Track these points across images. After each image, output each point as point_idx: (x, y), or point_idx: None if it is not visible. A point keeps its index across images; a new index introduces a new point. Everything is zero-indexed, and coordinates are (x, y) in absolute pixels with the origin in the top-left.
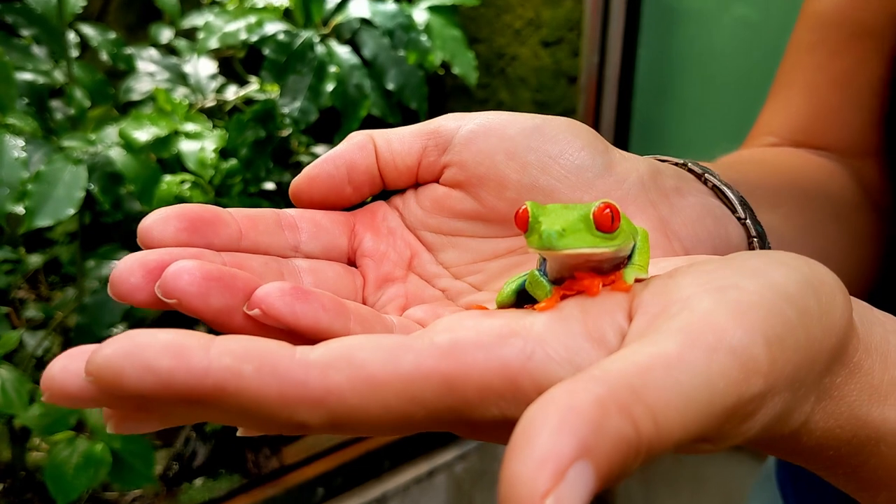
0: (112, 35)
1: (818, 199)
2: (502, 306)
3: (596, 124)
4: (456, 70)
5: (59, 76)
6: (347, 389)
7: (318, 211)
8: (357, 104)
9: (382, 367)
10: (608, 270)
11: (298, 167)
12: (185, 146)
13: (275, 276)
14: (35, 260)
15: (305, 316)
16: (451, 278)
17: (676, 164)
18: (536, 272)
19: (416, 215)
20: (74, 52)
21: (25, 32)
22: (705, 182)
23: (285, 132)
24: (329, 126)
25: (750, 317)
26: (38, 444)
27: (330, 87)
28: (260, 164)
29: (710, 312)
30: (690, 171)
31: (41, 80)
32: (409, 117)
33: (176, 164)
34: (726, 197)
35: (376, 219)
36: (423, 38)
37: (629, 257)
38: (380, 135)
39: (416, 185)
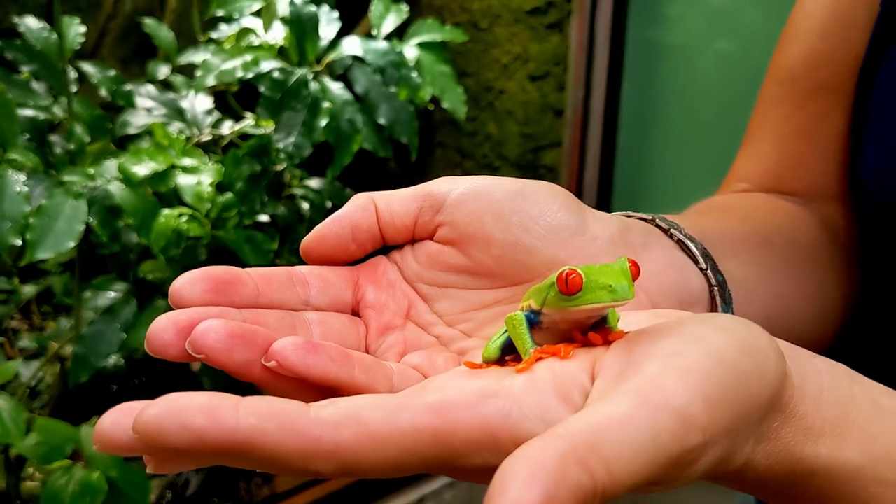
0: (112, 72)
1: (781, 245)
2: (488, 360)
3: (582, 157)
4: (445, 105)
5: (58, 111)
6: (355, 444)
7: (326, 267)
8: (349, 139)
9: (384, 424)
10: (591, 324)
11: (292, 199)
12: (183, 180)
13: (288, 330)
14: (29, 290)
15: (316, 367)
16: (444, 326)
17: (645, 220)
18: (523, 326)
19: (413, 269)
20: (73, 88)
21: (25, 68)
22: (671, 236)
23: (280, 166)
24: (322, 159)
25: (691, 380)
26: (31, 474)
27: (323, 122)
28: (255, 198)
29: (657, 376)
30: (658, 226)
31: (41, 115)
32: (400, 150)
33: (173, 197)
34: (690, 250)
35: (377, 272)
36: (414, 74)
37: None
38: (380, 197)
39: (413, 241)
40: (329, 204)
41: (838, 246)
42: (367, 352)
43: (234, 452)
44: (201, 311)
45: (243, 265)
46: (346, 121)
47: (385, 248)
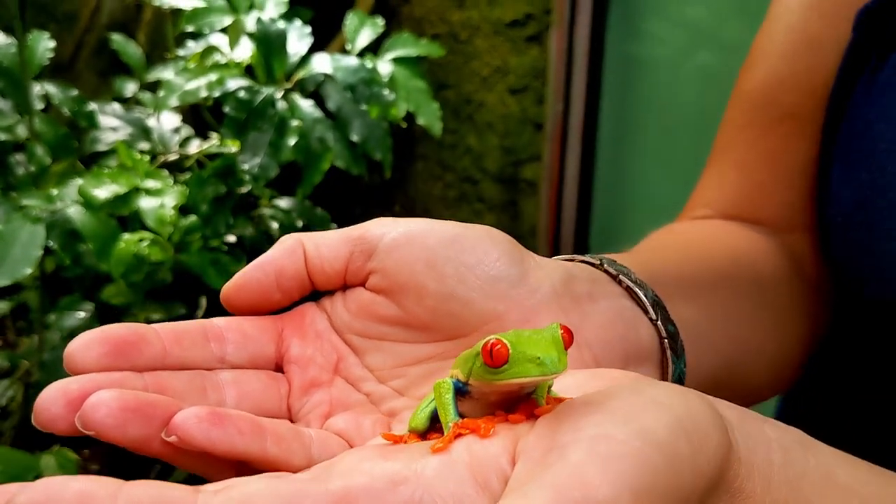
0: (73, 92)
1: (742, 283)
2: (415, 430)
3: (561, 171)
4: (421, 121)
5: (21, 131)
6: None
7: (246, 319)
8: (319, 157)
9: None
10: (522, 397)
11: (261, 220)
12: (145, 203)
13: (198, 394)
14: (2, 306)
15: (221, 441)
16: (375, 382)
17: (593, 265)
18: (449, 394)
19: (343, 319)
20: (39, 105)
21: None
22: (619, 282)
23: (245, 188)
24: (293, 178)
25: (617, 469)
26: None
27: (292, 141)
28: (220, 220)
29: (580, 465)
30: (606, 271)
31: (3, 136)
32: (374, 167)
33: (136, 220)
34: (639, 298)
35: (304, 322)
36: (386, 91)
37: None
38: (309, 239)
39: (345, 286)
40: (300, 223)
41: (803, 279)
42: (289, 412)
43: None
44: (96, 378)
45: (208, 288)
46: (316, 139)
47: (314, 293)
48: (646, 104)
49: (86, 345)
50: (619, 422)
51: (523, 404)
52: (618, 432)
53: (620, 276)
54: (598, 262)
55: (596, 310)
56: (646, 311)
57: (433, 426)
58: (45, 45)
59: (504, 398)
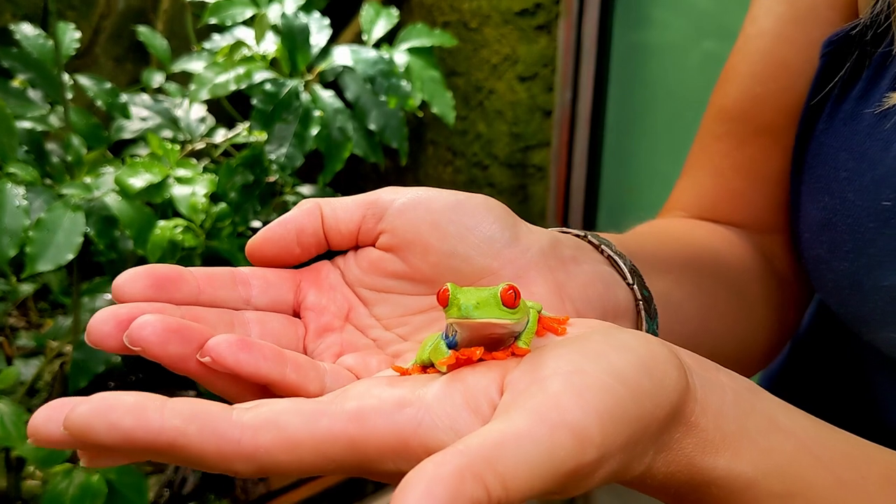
0: (107, 85)
1: (711, 265)
2: (420, 363)
3: (569, 156)
4: (434, 110)
5: (54, 121)
6: (273, 448)
7: (269, 269)
8: (340, 147)
9: (301, 429)
10: (505, 341)
11: (285, 207)
12: (178, 191)
13: (226, 328)
14: (26, 288)
15: (248, 364)
16: (381, 329)
17: (578, 236)
18: (441, 342)
19: (355, 274)
20: (69, 95)
21: (21, 76)
22: (601, 252)
23: (272, 177)
24: (315, 165)
25: (587, 397)
26: (32, 472)
27: (315, 131)
28: (248, 208)
29: (556, 394)
30: (590, 242)
31: (39, 126)
32: (391, 155)
33: (168, 207)
34: (618, 265)
35: (320, 276)
36: (403, 82)
37: (520, 333)
38: (326, 203)
39: (357, 247)
40: None
41: (774, 275)
42: (305, 352)
43: (159, 452)
44: (142, 306)
45: None
46: (337, 129)
47: (329, 254)
48: (653, 91)
49: (133, 278)
50: (591, 360)
51: (506, 348)
52: (590, 369)
53: (602, 247)
54: (584, 235)
55: (579, 271)
56: (624, 277)
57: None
58: (71, 35)
59: (485, 343)
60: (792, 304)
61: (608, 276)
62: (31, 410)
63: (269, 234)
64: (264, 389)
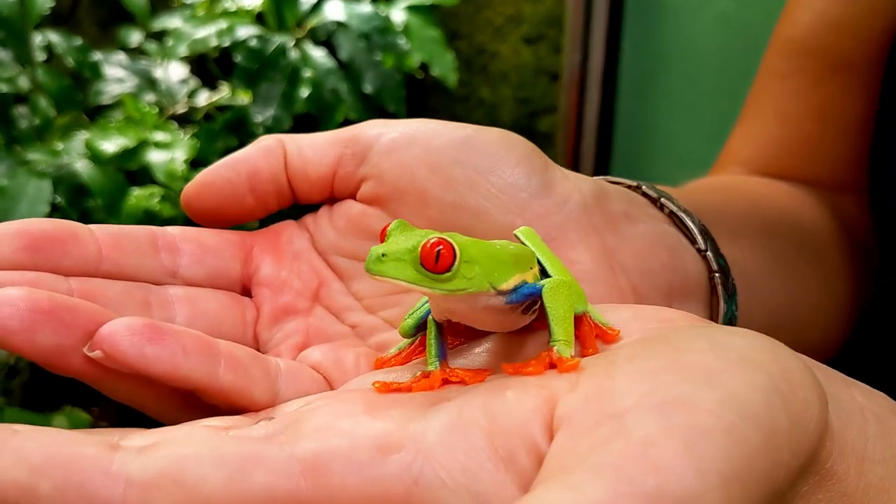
0: (78, 41)
1: (788, 232)
2: (405, 335)
3: (579, 123)
4: (435, 72)
5: (23, 82)
6: None
7: (207, 230)
8: (333, 109)
9: (222, 490)
10: (499, 325)
11: None
12: (155, 157)
13: (138, 308)
14: None
15: (159, 360)
16: (363, 312)
17: (629, 187)
18: (432, 334)
19: (328, 237)
20: (41, 57)
21: None
22: (661, 208)
23: None
24: (304, 131)
25: (703, 451)
26: None
27: (305, 92)
28: None
29: (651, 444)
30: (644, 194)
31: (5, 88)
32: (389, 117)
33: (145, 175)
34: (685, 225)
35: (280, 240)
36: (401, 40)
37: (536, 307)
38: (291, 140)
39: (332, 200)
40: None
41: (851, 240)
42: (256, 342)
43: None
44: (7, 275)
45: None
46: (329, 90)
47: (296, 213)
48: (667, 52)
49: (2, 237)
50: (700, 384)
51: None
52: (701, 399)
53: (662, 200)
54: (636, 185)
55: (635, 232)
56: (693, 241)
57: (423, 331)
58: None
59: (464, 319)
60: (868, 278)
61: (672, 240)
62: (10, 393)
63: (212, 176)
64: (190, 398)
